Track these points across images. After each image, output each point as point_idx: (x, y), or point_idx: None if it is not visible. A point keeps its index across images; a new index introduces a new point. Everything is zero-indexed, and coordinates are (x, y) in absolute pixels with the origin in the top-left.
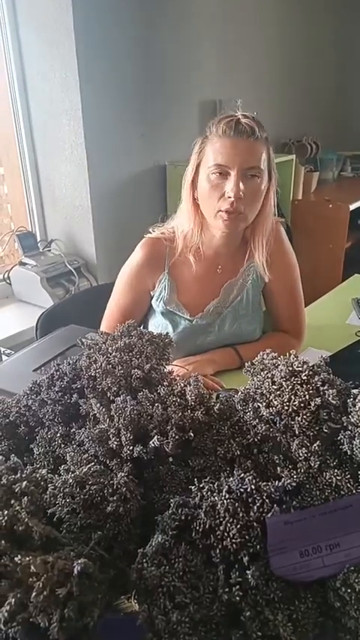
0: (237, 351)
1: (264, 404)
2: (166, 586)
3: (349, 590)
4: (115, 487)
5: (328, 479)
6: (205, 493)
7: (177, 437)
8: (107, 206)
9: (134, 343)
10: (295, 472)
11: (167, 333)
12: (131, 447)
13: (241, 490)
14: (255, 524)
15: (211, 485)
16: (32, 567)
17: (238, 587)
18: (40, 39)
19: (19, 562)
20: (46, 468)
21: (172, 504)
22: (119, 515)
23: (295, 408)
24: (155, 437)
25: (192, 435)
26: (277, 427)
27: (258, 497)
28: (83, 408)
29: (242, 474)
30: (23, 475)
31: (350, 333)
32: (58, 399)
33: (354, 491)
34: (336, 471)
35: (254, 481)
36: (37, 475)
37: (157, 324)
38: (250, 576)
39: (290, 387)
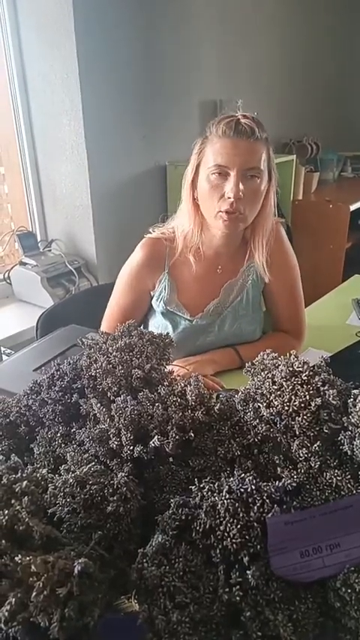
0: (237, 352)
1: (264, 404)
2: (166, 586)
3: (349, 591)
4: (115, 487)
5: (329, 479)
6: (205, 493)
7: (177, 437)
8: (108, 206)
9: (134, 343)
10: (295, 472)
11: (167, 333)
12: (131, 447)
13: (242, 490)
14: (255, 524)
15: (211, 485)
16: (33, 567)
17: (238, 587)
18: (41, 39)
19: (19, 562)
20: (46, 468)
21: (172, 504)
22: (119, 515)
23: (295, 408)
24: (155, 437)
25: (192, 435)
26: (277, 427)
27: (258, 498)
28: (83, 407)
29: (242, 474)
30: (24, 475)
31: (350, 334)
32: (59, 399)
33: (354, 492)
34: (336, 471)
35: (254, 481)
36: (38, 475)
37: (158, 324)
38: (250, 576)
39: (290, 387)
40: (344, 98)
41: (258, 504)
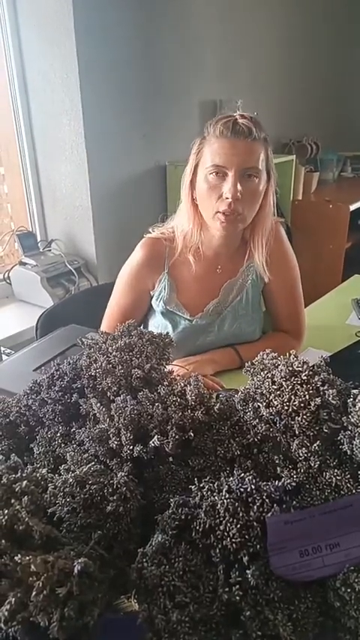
0: (237, 351)
1: (264, 404)
2: (166, 585)
3: (348, 590)
4: (115, 487)
5: (328, 479)
6: (205, 493)
7: (177, 437)
8: (107, 206)
9: (134, 343)
10: (295, 472)
11: (167, 332)
12: (131, 447)
13: (241, 490)
14: (255, 523)
15: (211, 484)
16: (32, 567)
17: (238, 586)
18: (41, 38)
19: (19, 561)
20: (46, 468)
21: (172, 504)
22: (119, 515)
23: (295, 408)
24: (155, 437)
25: (192, 434)
26: (277, 427)
27: (258, 497)
28: (83, 407)
29: (242, 474)
30: (23, 474)
31: (350, 334)
32: (59, 399)
33: (354, 491)
34: (336, 470)
35: (254, 481)
36: (38, 474)
37: (157, 324)
38: (250, 576)
39: (290, 387)
40: (344, 98)
41: (258, 504)
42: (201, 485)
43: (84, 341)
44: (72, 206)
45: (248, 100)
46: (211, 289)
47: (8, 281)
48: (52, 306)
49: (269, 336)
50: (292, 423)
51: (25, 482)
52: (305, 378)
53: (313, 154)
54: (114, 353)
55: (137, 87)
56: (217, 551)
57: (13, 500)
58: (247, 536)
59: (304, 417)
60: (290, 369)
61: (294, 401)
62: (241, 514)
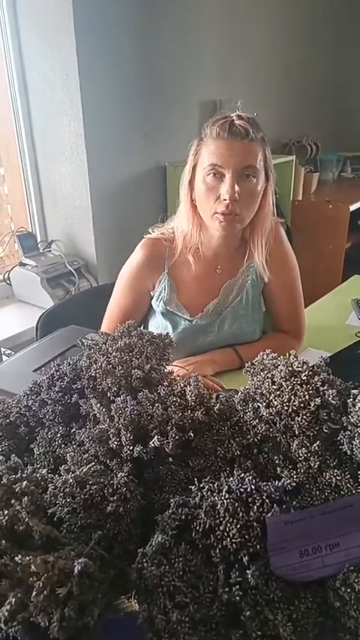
0: (237, 352)
1: (264, 404)
2: (166, 586)
3: (348, 590)
4: (115, 487)
5: (328, 479)
6: (205, 493)
7: (177, 437)
8: (107, 207)
9: (134, 343)
10: (295, 472)
11: (167, 333)
12: (131, 447)
13: (241, 490)
14: (255, 524)
15: (211, 485)
16: (32, 567)
17: (238, 586)
18: (41, 39)
19: (19, 562)
20: (46, 468)
21: (172, 504)
22: (119, 515)
23: (294, 408)
24: (155, 437)
25: (192, 435)
26: (277, 427)
27: (258, 497)
28: (83, 408)
29: (242, 474)
30: (23, 475)
31: (350, 334)
32: (59, 400)
33: (354, 491)
34: (336, 471)
35: (254, 481)
36: (38, 475)
37: (157, 325)
38: (250, 576)
39: (290, 387)
40: (344, 98)
41: (257, 504)
42: (201, 485)
43: (84, 341)
44: (72, 207)
45: (248, 100)
46: (211, 289)
47: (8, 282)
48: (52, 307)
49: (269, 336)
50: (292, 423)
51: (25, 482)
52: (305, 378)
53: (312, 154)
54: (114, 353)
55: (137, 87)
56: (217, 551)
57: (13, 501)
58: (247, 537)
59: (304, 417)
60: (290, 369)
61: (294, 401)
62: (241, 514)
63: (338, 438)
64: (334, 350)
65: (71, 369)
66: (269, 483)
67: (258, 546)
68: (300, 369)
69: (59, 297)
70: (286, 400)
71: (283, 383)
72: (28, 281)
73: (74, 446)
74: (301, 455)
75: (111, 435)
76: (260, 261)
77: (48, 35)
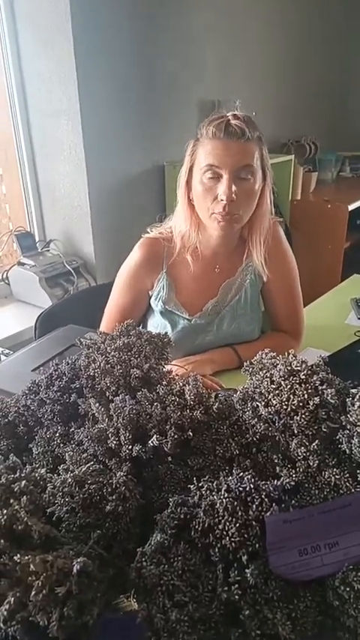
0: (236, 351)
1: (263, 403)
2: (165, 585)
3: (347, 589)
4: (114, 486)
5: (327, 478)
6: (204, 492)
7: (176, 436)
8: (106, 206)
9: (133, 343)
10: (294, 471)
11: (166, 332)
12: (130, 447)
13: (240, 489)
14: (254, 523)
15: (210, 484)
16: (31, 566)
17: (237, 585)
18: (38, 39)
19: (18, 561)
20: (45, 468)
21: (171, 503)
22: (118, 514)
23: (293, 407)
24: (154, 436)
25: (191, 434)
26: (275, 426)
27: (257, 496)
28: (82, 407)
29: (241, 473)
30: (22, 474)
31: (349, 333)
32: (57, 399)
33: (353, 490)
34: (335, 470)
35: (253, 480)
36: (36, 474)
37: (156, 324)
38: (249, 575)
39: (289, 386)
40: (342, 97)
41: (256, 503)
42: (200, 484)
43: (82, 341)
44: (70, 206)
45: (246, 100)
46: (210, 289)
47: (7, 281)
48: (50, 307)
49: (268, 335)
50: (291, 422)
51: (23, 482)
52: (304, 377)
53: (311, 153)
54: (112, 353)
55: (135, 86)
56: (216, 550)
57: (12, 500)
58: (246, 536)
59: (303, 416)
60: (289, 368)
61: (293, 400)
62: (240, 513)
63: (337, 437)
64: (334, 349)
65: (70, 368)
66: (268, 482)
67: (257, 545)
68: (299, 368)
69: (58, 297)
70: (284, 399)
71: (282, 382)
72: (26, 280)
73: (73, 445)
74: (300, 454)
75: (110, 435)
76: (259, 259)
77: (45, 35)
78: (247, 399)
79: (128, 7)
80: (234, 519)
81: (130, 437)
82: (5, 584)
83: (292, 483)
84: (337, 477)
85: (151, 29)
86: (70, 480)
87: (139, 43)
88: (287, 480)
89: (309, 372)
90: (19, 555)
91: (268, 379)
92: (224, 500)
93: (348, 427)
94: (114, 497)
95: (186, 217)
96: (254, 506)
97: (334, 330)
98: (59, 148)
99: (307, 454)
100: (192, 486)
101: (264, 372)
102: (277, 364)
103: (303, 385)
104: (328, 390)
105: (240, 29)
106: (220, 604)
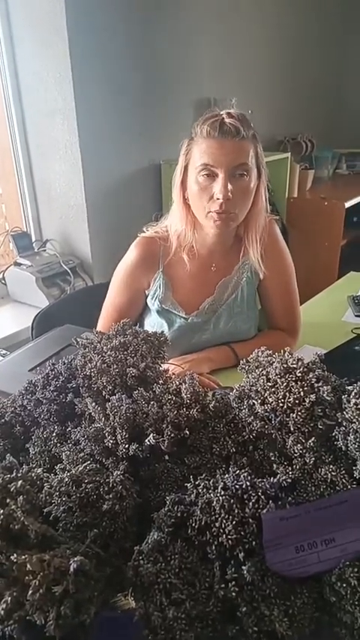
0: (233, 349)
1: (259, 401)
2: (162, 583)
3: (344, 585)
4: (111, 485)
5: (324, 475)
6: (200, 490)
7: (172, 435)
8: (102, 205)
9: (129, 342)
10: (290, 468)
11: (162, 331)
12: (127, 446)
13: (237, 487)
14: (250, 520)
15: (206, 482)
16: (28, 565)
17: (234, 583)
18: (33, 38)
19: (15, 560)
20: (41, 467)
21: (168, 502)
22: (115, 513)
23: (289, 404)
24: (151, 435)
25: (187, 432)
26: (272, 424)
27: (253, 494)
28: (79, 407)
29: (238, 471)
30: (19, 474)
31: (346, 331)
32: (54, 399)
33: (349, 487)
34: (331, 466)
35: (249, 478)
36: (33, 474)
37: (153, 323)
38: (245, 572)
39: (285, 384)
40: (338, 95)
41: (253, 500)
42: (197, 482)
43: (79, 341)
44: (66, 205)
45: (242, 98)
46: (207, 287)
47: (3, 281)
48: (47, 307)
49: (265, 333)
50: (287, 419)
51: (20, 482)
52: (300, 374)
53: (308, 151)
54: (109, 352)
55: (131, 85)
56: (213, 547)
57: (8, 500)
58: (242, 533)
59: (299, 413)
60: (285, 366)
61: (289, 398)
62: (236, 511)
63: (333, 434)
64: (331, 347)
65: (66, 368)
66: (265, 480)
67: (254, 542)
68: (295, 365)
69: (54, 297)
70: (281, 397)
71: (278, 380)
72: (23, 281)
73: (70, 445)
74: (296, 451)
75: (106, 434)
76: (255, 257)
77: (40, 34)
78: (243, 397)
79: (124, 7)
80: (231, 517)
81: (126, 436)
82: (2, 584)
83: (289, 480)
84: (333, 473)
85: (147, 29)
86: (67, 479)
87: (134, 43)
88: (284, 477)
89: (305, 369)
90: (16, 555)
91: (265, 377)
92: (221, 497)
93: (344, 424)
94: (111, 496)
95: (182, 216)
96: (251, 503)
97: (330, 327)
98: (55, 147)
99: (304, 451)
100: (189, 484)
101: (260, 369)
102: (273, 362)
103: (299, 383)
104: (324, 387)
105: (236, 28)
106: (218, 601)
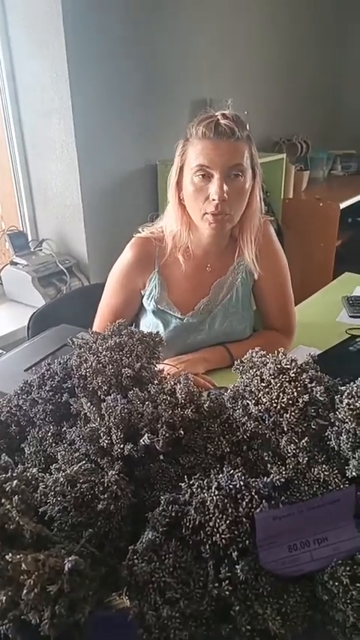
0: (228, 350)
1: (253, 401)
2: (156, 582)
3: (337, 584)
4: (105, 485)
5: (316, 474)
6: (195, 490)
7: (167, 435)
8: (98, 205)
9: (124, 342)
10: (283, 468)
11: (158, 332)
12: (122, 446)
13: (231, 486)
14: (244, 519)
15: (200, 482)
16: (23, 565)
17: (227, 582)
18: (30, 38)
19: (10, 560)
20: (37, 467)
21: (162, 501)
22: (110, 513)
23: (283, 405)
24: (146, 435)
25: (182, 432)
26: (266, 424)
27: (247, 493)
28: (74, 407)
29: (231, 471)
30: (14, 474)
31: (340, 331)
32: (49, 399)
33: (341, 486)
34: (324, 466)
35: (243, 477)
36: (28, 474)
37: (149, 324)
38: (239, 571)
39: (278, 384)
40: (333, 96)
41: (247, 500)
42: (191, 482)
43: (74, 341)
44: (63, 205)
45: (238, 99)
46: (202, 288)
47: None
48: (43, 306)
49: (260, 334)
50: (281, 419)
51: (15, 481)
52: (293, 375)
53: (303, 152)
54: (104, 352)
55: (127, 86)
56: (207, 547)
57: (3, 500)
58: (236, 532)
59: (293, 413)
60: (279, 366)
61: (282, 398)
62: (230, 510)
63: (326, 434)
64: (325, 347)
65: (62, 368)
66: (258, 479)
67: (247, 542)
68: (288, 366)
69: (50, 296)
70: (274, 397)
71: (272, 380)
72: (19, 280)
73: (65, 445)
74: (289, 451)
75: (101, 434)
76: (250, 257)
77: (37, 34)
78: (237, 398)
79: (121, 8)
80: (224, 516)
81: (121, 436)
82: None
83: (282, 480)
84: (326, 473)
85: (144, 30)
86: (62, 479)
87: (131, 43)
88: (277, 477)
89: (298, 370)
90: (10, 554)
91: (258, 377)
92: (215, 497)
93: (337, 424)
94: (106, 496)
95: (177, 217)
96: (244, 503)
97: (325, 327)
98: (51, 147)
99: (297, 451)
100: (183, 484)
101: (254, 370)
102: (267, 362)
103: (292, 383)
104: (317, 387)
105: (232, 29)
106: (211, 600)
